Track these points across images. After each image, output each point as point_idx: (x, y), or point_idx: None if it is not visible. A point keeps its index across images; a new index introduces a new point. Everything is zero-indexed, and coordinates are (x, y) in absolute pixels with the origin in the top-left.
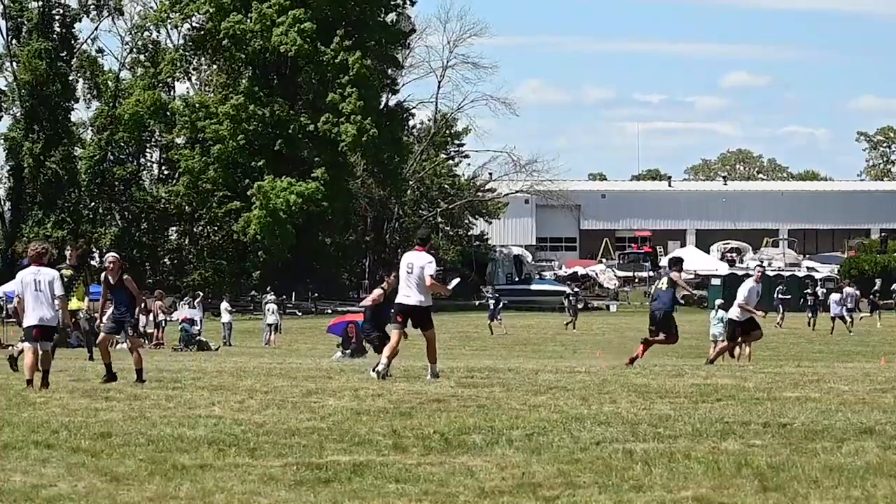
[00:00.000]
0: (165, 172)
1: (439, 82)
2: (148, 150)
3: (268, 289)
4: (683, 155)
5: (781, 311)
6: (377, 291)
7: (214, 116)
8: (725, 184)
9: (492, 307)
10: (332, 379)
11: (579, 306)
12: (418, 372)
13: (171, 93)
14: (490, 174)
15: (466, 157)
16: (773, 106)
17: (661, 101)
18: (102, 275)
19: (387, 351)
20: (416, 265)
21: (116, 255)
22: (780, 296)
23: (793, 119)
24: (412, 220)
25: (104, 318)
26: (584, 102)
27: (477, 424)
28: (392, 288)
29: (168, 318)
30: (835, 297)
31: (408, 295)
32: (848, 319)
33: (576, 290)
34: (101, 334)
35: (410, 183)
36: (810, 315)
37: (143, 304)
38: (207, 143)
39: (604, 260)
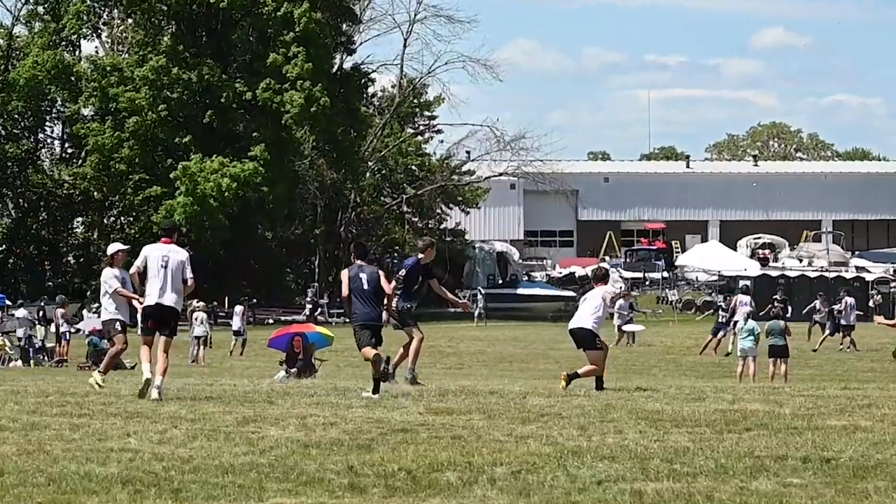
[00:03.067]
0: (69, 151)
1: (405, 40)
2: (48, 123)
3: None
4: (705, 130)
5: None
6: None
7: (129, 82)
8: (756, 165)
9: (479, 307)
10: (274, 404)
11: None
12: (380, 396)
13: (77, 53)
14: (468, 153)
15: (439, 132)
16: (816, 71)
17: (679, 64)
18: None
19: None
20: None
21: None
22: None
23: (839, 87)
24: (372, 209)
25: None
26: (584, 66)
27: (451, 459)
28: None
29: (72, 330)
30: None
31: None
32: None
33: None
34: None
35: (370, 164)
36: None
37: (41, 313)
38: (121, 115)
39: (607, 258)
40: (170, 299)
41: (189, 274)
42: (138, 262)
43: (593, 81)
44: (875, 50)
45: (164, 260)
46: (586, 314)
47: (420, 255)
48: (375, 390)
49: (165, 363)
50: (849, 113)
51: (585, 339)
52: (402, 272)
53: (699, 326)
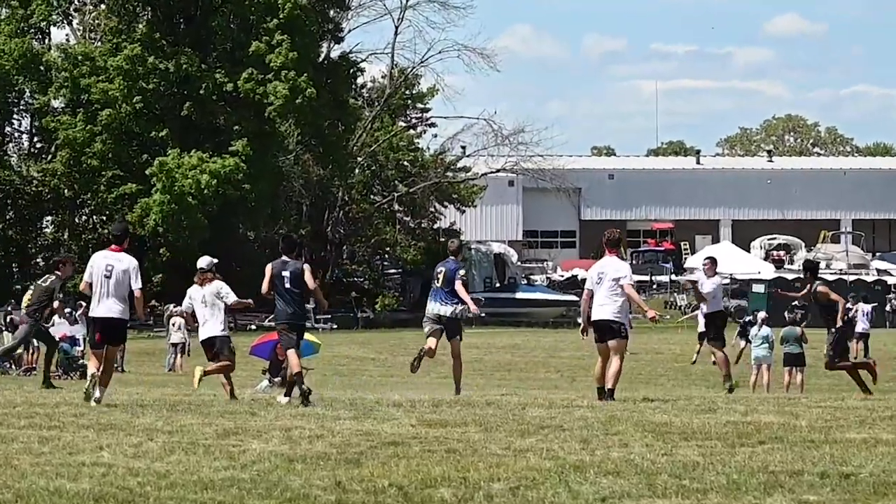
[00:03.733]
0: (38, 145)
1: (396, 27)
2: (15, 116)
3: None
4: (716, 123)
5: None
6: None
7: (102, 72)
8: (770, 160)
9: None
10: (257, 415)
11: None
12: (369, 405)
13: (46, 41)
14: (463, 148)
15: (432, 125)
16: (834, 60)
17: (688, 53)
18: None
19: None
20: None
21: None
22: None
23: (859, 77)
24: (361, 208)
25: None
26: (586, 55)
27: (446, 474)
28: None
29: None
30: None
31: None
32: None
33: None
34: None
35: (359, 159)
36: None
37: (7, 318)
38: (93, 108)
39: None
40: (114, 310)
41: (136, 284)
42: (86, 274)
43: (595, 71)
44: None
45: (108, 269)
46: (607, 301)
47: (453, 258)
48: (288, 392)
49: (110, 371)
50: (869, 105)
51: (611, 329)
52: (464, 273)
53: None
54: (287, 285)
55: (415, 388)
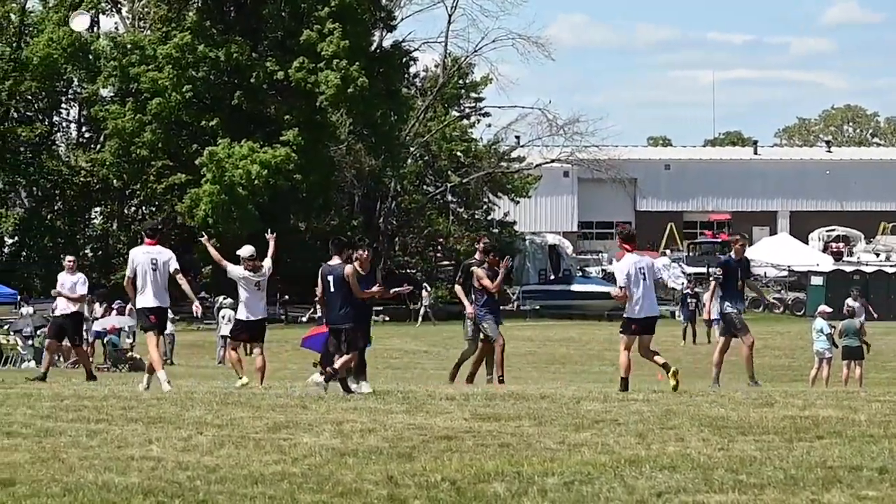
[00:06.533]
0: (87, 135)
1: (450, 16)
2: (64, 105)
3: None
4: (773, 113)
5: None
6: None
7: (152, 61)
8: (829, 151)
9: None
10: (308, 409)
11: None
12: (422, 399)
13: (95, 30)
14: (517, 138)
15: (486, 115)
16: (894, 49)
17: (745, 43)
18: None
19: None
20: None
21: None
22: None
23: None
24: (414, 199)
25: None
26: (641, 45)
27: (499, 469)
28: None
29: (90, 329)
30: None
31: None
32: None
33: (695, 290)
34: None
35: (412, 150)
36: None
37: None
38: (142, 97)
39: (668, 251)
40: (164, 300)
41: (174, 266)
42: (128, 270)
43: (651, 60)
44: None
45: (153, 263)
46: (654, 297)
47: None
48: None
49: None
50: None
51: (654, 324)
52: (461, 277)
53: (766, 325)
54: (332, 289)
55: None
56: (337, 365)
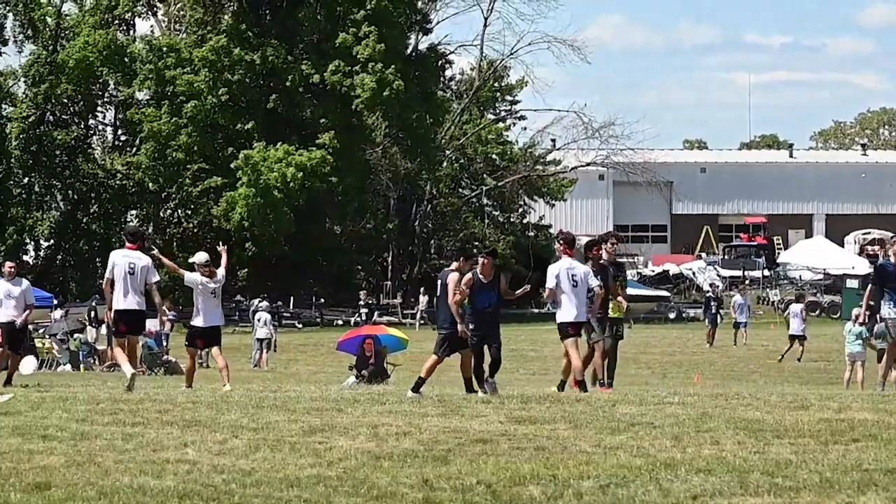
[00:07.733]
0: (123, 138)
1: (485, 19)
2: (100, 108)
3: (262, 295)
4: (810, 116)
5: None
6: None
7: (188, 64)
8: (865, 154)
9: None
10: (344, 412)
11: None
12: (457, 402)
13: (131, 33)
14: (553, 141)
15: (522, 118)
16: None
17: (782, 45)
18: None
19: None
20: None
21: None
22: None
23: None
24: (449, 202)
25: None
26: (679, 47)
27: (535, 472)
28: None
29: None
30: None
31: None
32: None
33: (717, 296)
34: None
35: (447, 152)
36: None
37: (92, 314)
38: (178, 100)
39: (703, 255)
40: (139, 304)
41: (154, 278)
42: (108, 272)
43: (688, 62)
44: None
45: (130, 267)
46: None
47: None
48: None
49: (136, 359)
50: None
51: (581, 329)
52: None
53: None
54: (438, 292)
55: (503, 385)
56: (424, 368)
